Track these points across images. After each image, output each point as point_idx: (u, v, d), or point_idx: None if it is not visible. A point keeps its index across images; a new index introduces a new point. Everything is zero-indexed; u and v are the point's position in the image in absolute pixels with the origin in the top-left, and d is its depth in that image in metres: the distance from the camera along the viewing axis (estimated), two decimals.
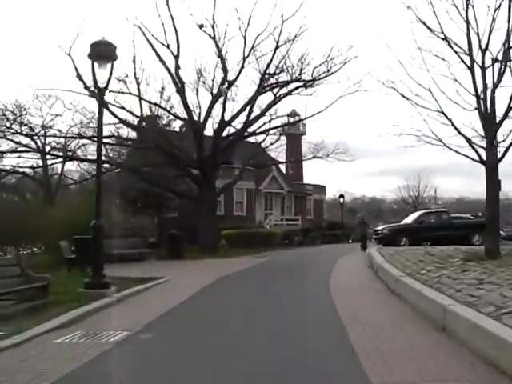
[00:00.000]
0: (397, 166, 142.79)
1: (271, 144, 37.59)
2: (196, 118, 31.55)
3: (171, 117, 39.34)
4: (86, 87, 29.85)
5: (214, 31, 30.64)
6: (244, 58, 30.77)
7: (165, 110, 31.14)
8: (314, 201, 60.43)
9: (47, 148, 38.68)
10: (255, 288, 13.73)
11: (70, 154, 41.30)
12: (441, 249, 18.02)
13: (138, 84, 30.66)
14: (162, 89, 30.46)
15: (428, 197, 79.42)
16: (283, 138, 62.90)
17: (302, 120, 34.13)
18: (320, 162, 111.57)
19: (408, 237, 28.33)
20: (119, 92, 29.57)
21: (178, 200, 42.50)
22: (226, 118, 32.21)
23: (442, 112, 14.24)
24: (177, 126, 39.78)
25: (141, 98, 30.22)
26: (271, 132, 36.29)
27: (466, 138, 14.25)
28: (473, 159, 14.32)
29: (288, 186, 54.67)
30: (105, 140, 31.60)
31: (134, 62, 30.70)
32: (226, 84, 30.80)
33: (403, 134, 14.80)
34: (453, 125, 14.16)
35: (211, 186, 32.34)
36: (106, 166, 38.67)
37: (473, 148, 14.14)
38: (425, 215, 29.73)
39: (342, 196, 56.50)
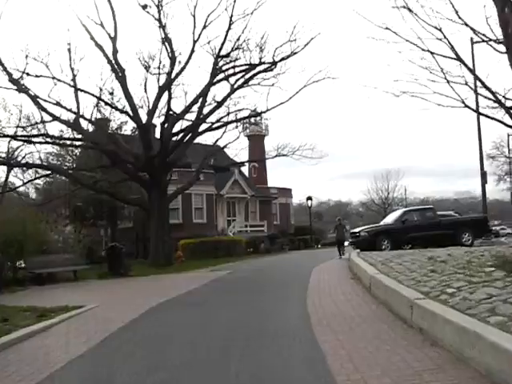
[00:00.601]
0: (360, 169, 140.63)
1: (230, 142, 33.33)
2: (143, 112, 27.22)
3: (122, 119, 35.13)
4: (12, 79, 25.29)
5: (159, 12, 26.31)
6: (194, 41, 26.52)
7: (104, 102, 26.56)
8: (279, 205, 56.32)
9: None
10: (200, 321, 9.41)
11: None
12: (449, 252, 13.87)
13: (74, 75, 26.18)
14: (101, 78, 25.98)
15: (397, 197, 76.04)
16: (244, 138, 59.30)
17: (264, 112, 29.97)
18: (283, 167, 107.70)
19: (390, 239, 24.31)
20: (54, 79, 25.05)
21: (133, 209, 38.08)
22: (177, 112, 27.88)
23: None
24: (129, 129, 35.53)
25: (77, 89, 25.69)
26: (230, 129, 32.18)
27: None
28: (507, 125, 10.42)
29: (252, 190, 50.45)
30: (40, 140, 27.00)
31: (69, 50, 26.32)
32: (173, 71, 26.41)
33: (415, 96, 10.79)
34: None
35: (161, 191, 27.85)
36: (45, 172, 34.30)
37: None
38: (408, 213, 25.72)
39: (309, 198, 52.43)
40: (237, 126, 32.49)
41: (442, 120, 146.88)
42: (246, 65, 27.66)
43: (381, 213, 74.79)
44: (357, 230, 26.38)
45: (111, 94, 26.92)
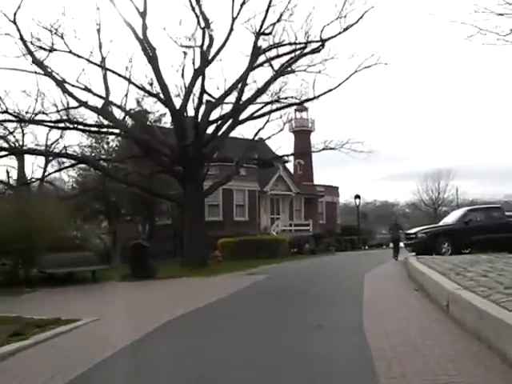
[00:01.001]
0: (407, 169, 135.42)
1: (274, 134, 30.52)
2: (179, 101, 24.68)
3: (162, 111, 32.82)
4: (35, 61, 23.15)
5: None
6: (233, 18, 23.78)
7: (134, 85, 24.10)
8: (326, 203, 53.16)
9: None
10: (224, 349, 6.71)
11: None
12: None
13: (103, 57, 23.87)
14: (130, 61, 23.61)
15: (447, 198, 71.54)
16: (290, 134, 56.44)
17: (310, 100, 26.97)
18: (328, 167, 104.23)
19: (451, 241, 21.11)
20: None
21: (171, 204, 35.76)
22: (214, 98, 25.25)
23: None
24: (169, 121, 33.17)
25: (106, 69, 23.37)
26: (273, 119, 29.38)
27: None
28: None
29: (297, 188, 47.49)
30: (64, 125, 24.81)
31: (98, 31, 24.03)
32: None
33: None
34: None
35: (197, 186, 25.23)
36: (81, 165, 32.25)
37: None
38: (471, 213, 22.39)
39: (357, 197, 49.07)
40: (281, 116, 29.68)
41: (491, 119, 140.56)
42: (290, 44, 24.77)
43: (430, 213, 70.89)
44: (413, 230, 23.22)
45: (150, 84, 24.45)
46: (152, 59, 22.99)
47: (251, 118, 27.14)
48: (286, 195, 47.01)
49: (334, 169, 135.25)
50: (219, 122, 25.42)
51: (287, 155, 29.86)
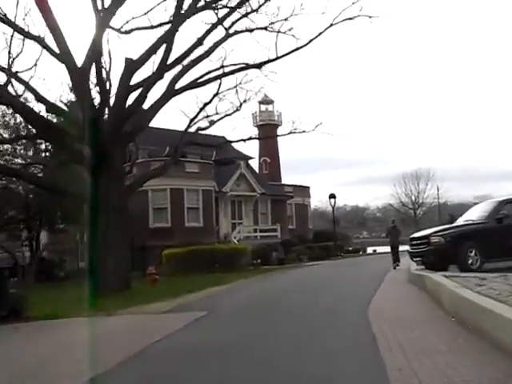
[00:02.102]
0: (377, 174, 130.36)
1: (228, 115, 23.07)
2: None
3: None
4: None
5: None
6: None
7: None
8: (295, 205, 45.73)
9: None
10: None
11: None
12: None
13: None
14: None
15: (429, 198, 64.89)
16: (252, 126, 49.01)
17: (271, 61, 19.72)
18: (296, 173, 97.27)
19: (480, 248, 13.82)
20: None
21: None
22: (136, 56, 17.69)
23: None
24: None
25: None
26: (225, 95, 22.06)
27: None
28: None
29: (262, 188, 39.96)
30: None
31: None
32: None
33: None
34: None
35: (114, 177, 17.58)
36: None
37: None
38: (507, 205, 15.05)
39: (332, 196, 41.64)
40: (236, 91, 22.30)
41: (458, 124, 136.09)
42: None
43: (409, 216, 64.34)
44: (422, 233, 15.82)
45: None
46: None
47: (192, 86, 19.65)
48: (249, 196, 39.46)
49: (301, 174, 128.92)
50: (142, 90, 17.77)
51: (245, 140, 22.39)
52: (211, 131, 25.47)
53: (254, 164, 47.72)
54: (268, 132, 48.65)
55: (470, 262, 13.74)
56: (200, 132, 23.42)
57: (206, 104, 21.32)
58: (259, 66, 20.03)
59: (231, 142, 24.49)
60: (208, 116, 21.43)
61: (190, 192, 33.28)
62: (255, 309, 10.80)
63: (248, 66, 20.09)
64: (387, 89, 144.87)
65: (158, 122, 29.12)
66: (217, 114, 21.66)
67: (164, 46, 17.60)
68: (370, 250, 57.18)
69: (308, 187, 49.00)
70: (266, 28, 20.91)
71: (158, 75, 17.60)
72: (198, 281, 20.82)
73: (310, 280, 18.31)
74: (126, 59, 17.58)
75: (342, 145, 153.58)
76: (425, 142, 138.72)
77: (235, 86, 21.74)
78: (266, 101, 50.72)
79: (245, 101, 23.46)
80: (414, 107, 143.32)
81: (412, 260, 15.65)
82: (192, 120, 21.14)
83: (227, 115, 23.27)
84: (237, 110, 23.48)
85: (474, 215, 15.46)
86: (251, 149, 63.35)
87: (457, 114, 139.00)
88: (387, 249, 56.64)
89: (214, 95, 21.47)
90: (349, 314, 8.53)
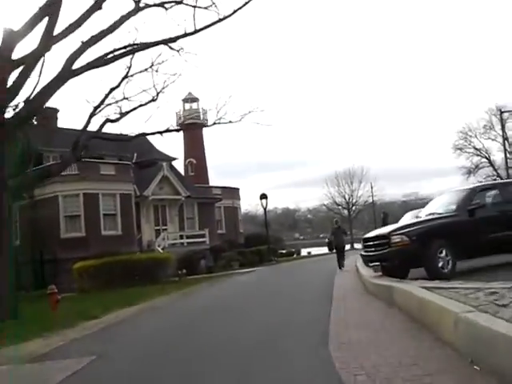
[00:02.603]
0: (306, 176, 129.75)
1: (142, 105, 19.57)
2: None
3: None
4: None
5: None
6: None
7: None
8: (225, 209, 42.48)
9: None
10: None
11: None
12: None
13: None
14: None
15: (363, 196, 63.20)
16: (176, 125, 45.53)
17: (189, 35, 16.45)
18: (225, 177, 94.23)
19: (452, 246, 10.99)
20: None
21: None
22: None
23: None
24: None
25: None
26: (138, 76, 18.64)
27: None
28: None
29: (187, 190, 36.46)
30: None
31: None
32: None
33: None
34: None
35: None
36: None
37: None
38: (480, 193, 12.29)
39: (264, 196, 38.50)
40: (152, 74, 18.87)
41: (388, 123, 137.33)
42: None
43: (344, 215, 62.47)
44: (377, 232, 12.92)
45: None
46: None
47: (93, 65, 16.01)
48: (173, 200, 35.86)
49: (230, 178, 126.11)
50: (25, 66, 14.00)
51: (161, 132, 19.03)
52: (130, 131, 21.99)
53: (179, 166, 44.28)
54: (193, 132, 45.29)
55: (440, 264, 10.94)
56: (117, 133, 19.93)
57: (112, 89, 17.76)
58: (174, 40, 16.67)
59: (146, 134, 20.88)
60: (117, 101, 17.84)
61: (105, 197, 29.41)
62: (166, 349, 7.43)
63: (161, 41, 16.67)
64: (316, 89, 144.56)
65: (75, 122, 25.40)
66: (125, 99, 18.06)
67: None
68: (304, 251, 54.80)
69: (237, 189, 45.91)
70: (181, 2, 17.62)
71: (43, 47, 13.90)
72: (109, 299, 17.30)
73: (240, 296, 15.03)
74: (5, 29, 13.84)
75: (269, 148, 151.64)
76: (352, 142, 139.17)
77: (150, 66, 18.31)
78: (191, 99, 47.33)
79: (162, 89, 20.03)
80: (340, 110, 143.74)
81: (367, 265, 12.68)
82: (97, 108, 17.48)
83: (141, 105, 19.78)
84: (153, 99, 19.99)
85: (439, 208, 12.66)
86: (176, 150, 59.54)
87: (384, 114, 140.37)
88: (322, 250, 54.77)
89: (123, 78, 17.98)
90: (300, 367, 5.27)
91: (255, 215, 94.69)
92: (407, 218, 18.02)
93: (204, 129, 46.01)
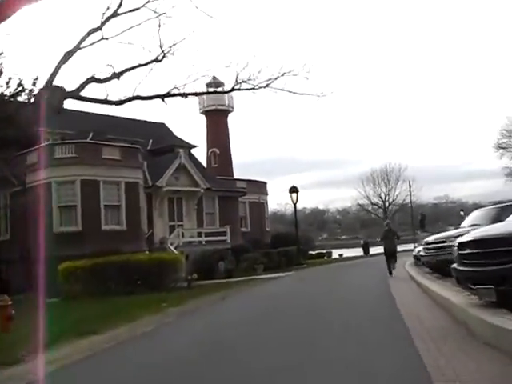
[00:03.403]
0: (336, 176, 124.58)
1: (141, 65, 14.71)
2: None
3: None
4: None
5: None
6: None
7: None
8: (250, 204, 37.38)
9: None
10: None
11: None
12: None
13: None
14: None
15: (400, 194, 57.48)
16: (199, 113, 40.94)
17: None
18: (252, 170, 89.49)
19: None
20: None
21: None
22: None
23: None
24: None
25: None
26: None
27: None
28: None
29: (207, 182, 31.51)
30: None
31: None
32: None
33: None
34: None
35: None
36: None
37: None
38: None
39: (294, 190, 33.24)
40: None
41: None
42: None
43: (379, 215, 57.07)
44: (489, 233, 7.66)
45: None
46: None
47: None
48: (191, 192, 30.91)
49: (257, 177, 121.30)
50: None
51: (162, 96, 14.19)
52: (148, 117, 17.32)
53: (202, 156, 39.40)
54: (216, 119, 40.45)
55: None
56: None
57: (93, 30, 12.92)
58: None
59: (142, 97, 16.10)
60: (102, 38, 13.00)
61: (107, 185, 24.61)
62: None
63: None
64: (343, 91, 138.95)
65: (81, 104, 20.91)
66: (104, 39, 13.19)
67: None
68: (334, 253, 49.54)
69: (265, 183, 40.76)
70: None
71: None
72: (90, 314, 12.51)
73: (262, 327, 9.73)
74: None
75: (297, 148, 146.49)
76: (381, 143, 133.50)
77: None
78: (215, 83, 42.44)
79: (170, 49, 15.16)
80: (366, 111, 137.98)
81: (470, 288, 7.28)
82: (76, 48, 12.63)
83: (140, 65, 14.98)
84: (156, 59, 15.24)
85: None
86: (198, 139, 54.68)
87: (417, 115, 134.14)
88: (355, 252, 49.40)
89: (108, 18, 13.10)
90: None
91: (284, 215, 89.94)
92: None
93: (229, 117, 41.36)
